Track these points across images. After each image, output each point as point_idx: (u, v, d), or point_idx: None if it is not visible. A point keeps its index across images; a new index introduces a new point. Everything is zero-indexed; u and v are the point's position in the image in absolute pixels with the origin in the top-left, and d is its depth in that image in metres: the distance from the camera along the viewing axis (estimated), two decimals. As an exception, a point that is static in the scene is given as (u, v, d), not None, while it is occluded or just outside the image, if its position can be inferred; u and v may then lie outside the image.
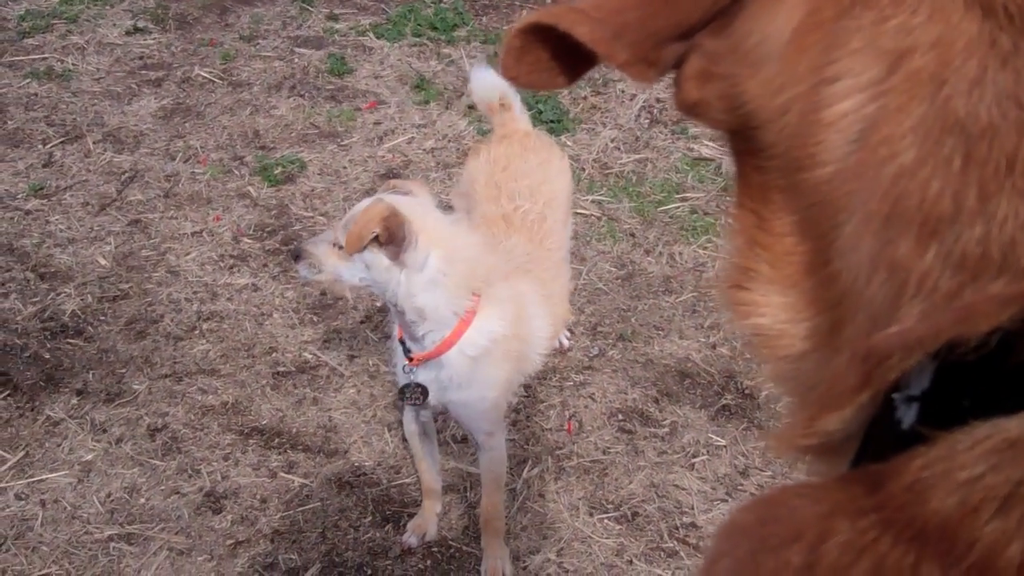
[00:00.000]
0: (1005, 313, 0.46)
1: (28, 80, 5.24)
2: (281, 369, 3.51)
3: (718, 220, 4.21)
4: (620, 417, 3.32)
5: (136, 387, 3.42)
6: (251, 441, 3.24)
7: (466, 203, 3.08)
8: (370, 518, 3.01)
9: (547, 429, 3.30)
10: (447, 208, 3.20)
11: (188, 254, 4.05)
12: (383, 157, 4.66)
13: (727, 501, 3.05)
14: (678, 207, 4.32)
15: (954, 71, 0.51)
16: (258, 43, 5.65)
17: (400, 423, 3.07)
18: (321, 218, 4.25)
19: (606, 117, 4.95)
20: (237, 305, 3.80)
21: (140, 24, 5.81)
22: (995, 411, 0.46)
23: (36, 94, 5.13)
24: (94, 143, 4.73)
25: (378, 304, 3.68)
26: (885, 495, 0.48)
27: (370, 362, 3.54)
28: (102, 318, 3.71)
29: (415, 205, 2.48)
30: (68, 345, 3.59)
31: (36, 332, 3.64)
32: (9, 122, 4.89)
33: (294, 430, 3.28)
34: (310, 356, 3.57)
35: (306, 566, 2.86)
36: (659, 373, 3.49)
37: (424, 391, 2.60)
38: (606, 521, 2.99)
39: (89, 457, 3.17)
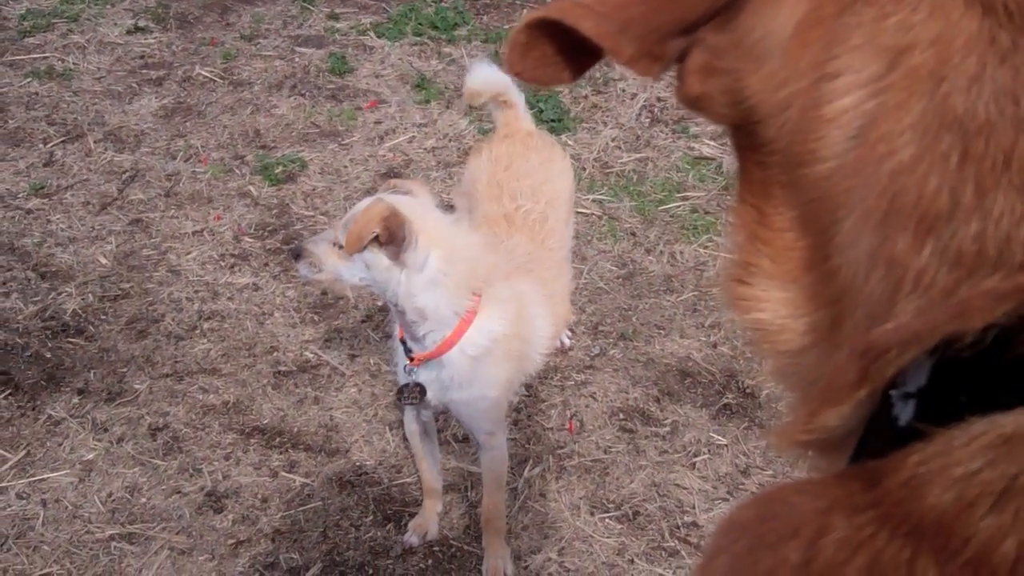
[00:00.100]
0: (1000, 309, 0.46)
1: (29, 79, 5.24)
2: (282, 368, 3.51)
3: (719, 219, 4.21)
4: (621, 416, 3.32)
5: (137, 386, 3.42)
6: (252, 440, 3.24)
7: (468, 202, 3.08)
8: (371, 517, 3.01)
9: (548, 428, 3.30)
10: (448, 207, 3.21)
11: (189, 253, 4.05)
12: (384, 156, 4.66)
13: (728, 500, 3.05)
14: (679, 206, 4.32)
15: (953, 68, 0.52)
16: (259, 42, 5.65)
17: (401, 422, 3.07)
18: (322, 217, 4.25)
19: (607, 116, 4.94)
20: (238, 304, 3.80)
21: (141, 23, 5.82)
22: (991, 407, 0.46)
23: (37, 93, 5.13)
24: (95, 142, 4.73)
25: (379, 303, 3.68)
26: (882, 491, 0.48)
27: (371, 361, 3.54)
28: (103, 317, 3.71)
29: (415, 205, 2.48)
30: (69, 344, 3.59)
31: (37, 331, 3.64)
32: (10, 121, 4.89)
33: (295, 429, 3.28)
34: (311, 355, 3.57)
35: (307, 565, 2.86)
36: (660, 372, 3.49)
37: (422, 390, 2.60)
38: (607, 520, 2.99)
39: (90, 456, 3.17)
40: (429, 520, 2.95)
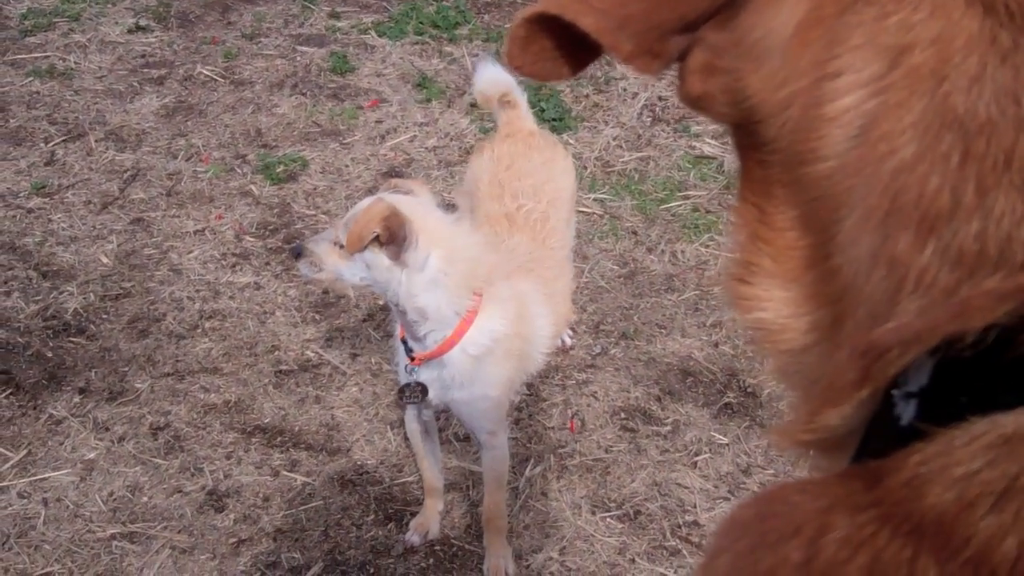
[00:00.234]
0: (1001, 309, 0.46)
1: (30, 78, 5.24)
2: (283, 367, 3.52)
3: (720, 218, 4.21)
4: (622, 415, 3.33)
5: (138, 386, 3.43)
6: (253, 440, 3.24)
7: (469, 201, 3.08)
8: (372, 516, 3.01)
9: (549, 427, 3.30)
10: (450, 207, 3.21)
11: (190, 252, 4.05)
12: (385, 155, 4.66)
13: (730, 499, 3.05)
14: (680, 205, 4.32)
15: (954, 67, 0.52)
16: (260, 41, 5.65)
17: (402, 421, 3.07)
18: (323, 216, 4.25)
19: (608, 115, 4.94)
20: (239, 303, 3.80)
21: (142, 22, 5.82)
22: (993, 407, 0.46)
23: (38, 92, 5.14)
24: (96, 141, 4.73)
25: (380, 302, 3.68)
26: (883, 491, 0.48)
27: (372, 360, 3.54)
28: (104, 316, 3.72)
29: (416, 204, 2.48)
30: (70, 344, 3.59)
31: (38, 331, 3.64)
32: (11, 120, 4.89)
33: (296, 428, 3.28)
34: (312, 354, 3.57)
35: (308, 565, 2.86)
36: (661, 371, 3.48)
37: (423, 390, 2.60)
38: (608, 520, 2.99)
39: (91, 456, 3.17)
40: (430, 519, 2.95)
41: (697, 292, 3.84)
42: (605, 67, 5.22)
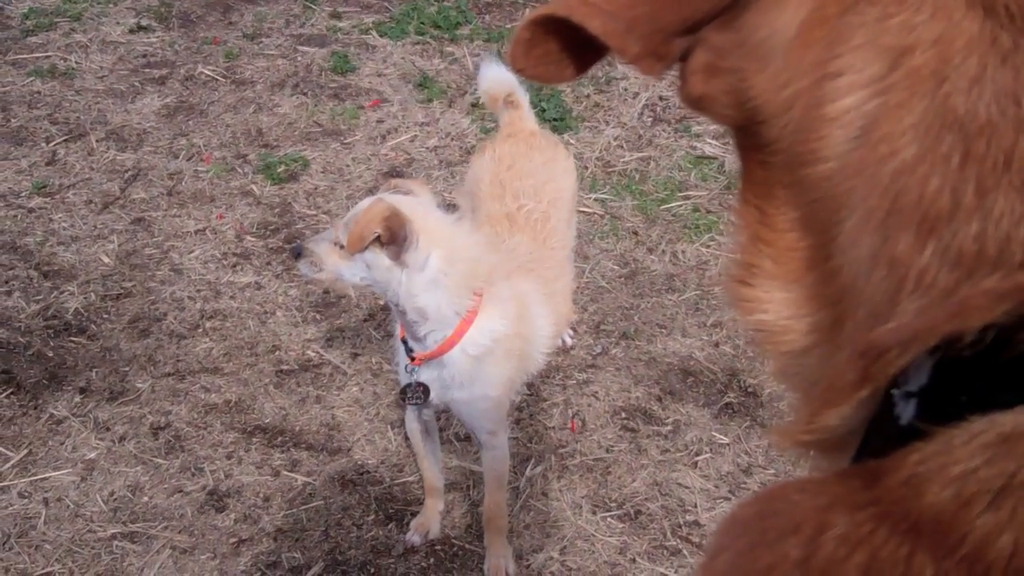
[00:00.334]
0: (999, 308, 0.46)
1: (31, 78, 5.24)
2: (284, 367, 3.52)
3: (721, 218, 4.21)
4: (623, 415, 3.33)
5: (139, 385, 3.43)
6: (254, 439, 3.24)
7: (471, 201, 3.08)
8: (373, 516, 3.01)
9: (550, 427, 3.30)
10: (450, 207, 3.21)
11: (191, 252, 4.05)
12: (386, 155, 4.66)
13: (730, 499, 3.05)
14: (681, 205, 4.32)
15: (954, 68, 0.52)
16: (261, 41, 5.65)
17: (403, 421, 3.08)
18: (324, 216, 4.25)
19: (609, 115, 4.95)
20: (240, 303, 3.80)
21: (143, 22, 5.82)
22: (992, 406, 0.47)
23: (39, 92, 5.14)
24: (97, 141, 4.74)
25: (381, 302, 3.68)
26: (882, 489, 0.48)
27: (373, 360, 3.55)
28: (105, 316, 3.72)
29: (416, 205, 2.48)
30: (71, 343, 3.59)
31: (39, 330, 3.64)
32: (12, 120, 4.90)
33: (297, 428, 3.29)
34: (313, 354, 3.58)
35: (309, 564, 2.86)
36: (662, 371, 3.49)
37: (426, 390, 2.60)
38: (609, 519, 3.00)
39: (92, 455, 3.18)
40: (431, 519, 2.95)
41: (698, 292, 3.84)
42: (606, 67, 5.22)
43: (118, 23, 5.82)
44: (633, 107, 4.99)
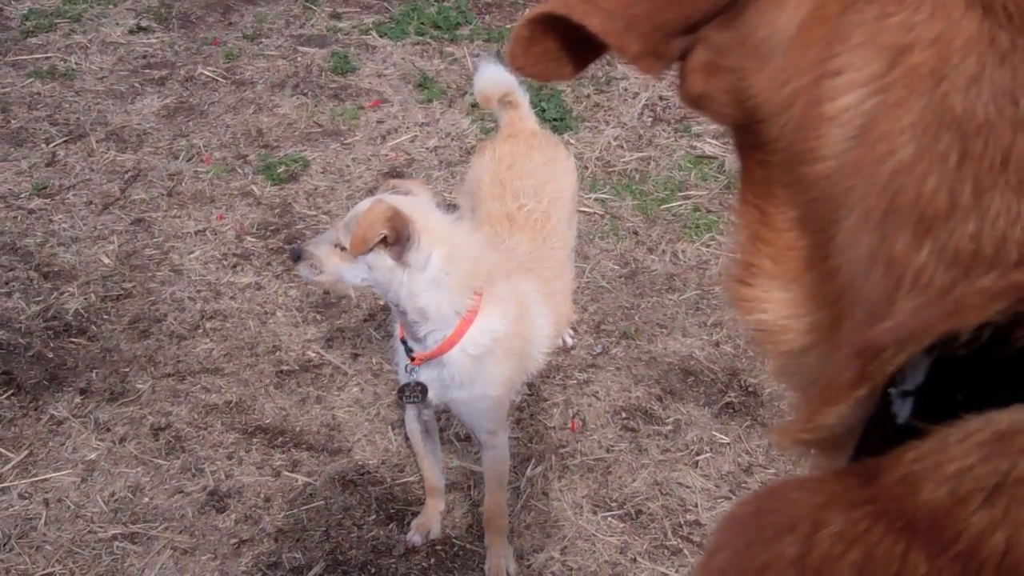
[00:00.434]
0: (994, 307, 0.47)
1: (31, 79, 5.25)
2: (284, 368, 3.52)
3: (721, 218, 4.22)
4: (624, 415, 3.33)
5: (139, 386, 3.43)
6: (255, 440, 3.25)
7: (471, 201, 3.09)
8: (374, 516, 3.01)
9: (550, 427, 3.30)
10: (451, 207, 3.21)
11: (191, 253, 4.06)
12: (386, 156, 4.66)
13: (731, 498, 3.05)
14: (681, 205, 4.33)
15: (953, 68, 0.52)
16: (261, 42, 5.65)
17: (403, 421, 3.08)
18: (324, 217, 4.25)
19: (609, 115, 4.95)
20: (240, 304, 3.80)
21: (143, 23, 5.82)
22: (987, 404, 0.47)
23: (39, 93, 5.14)
24: (97, 142, 4.74)
25: (381, 303, 3.68)
26: (878, 487, 0.48)
27: (373, 360, 3.55)
28: (105, 317, 3.72)
29: (416, 205, 2.48)
30: (71, 344, 3.60)
31: (39, 331, 3.64)
32: (12, 121, 4.90)
33: (297, 429, 3.29)
34: (313, 354, 3.58)
35: (310, 565, 2.87)
36: (663, 371, 3.49)
37: (423, 390, 2.60)
38: (610, 519, 3.00)
39: (92, 456, 3.18)
40: (431, 519, 2.95)
41: (698, 292, 3.84)
42: (606, 67, 5.22)
43: (118, 24, 5.82)
44: (633, 107, 4.99)
